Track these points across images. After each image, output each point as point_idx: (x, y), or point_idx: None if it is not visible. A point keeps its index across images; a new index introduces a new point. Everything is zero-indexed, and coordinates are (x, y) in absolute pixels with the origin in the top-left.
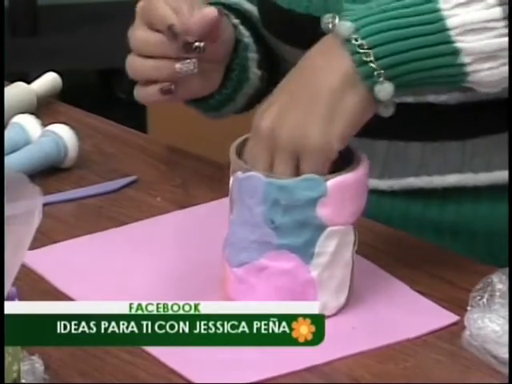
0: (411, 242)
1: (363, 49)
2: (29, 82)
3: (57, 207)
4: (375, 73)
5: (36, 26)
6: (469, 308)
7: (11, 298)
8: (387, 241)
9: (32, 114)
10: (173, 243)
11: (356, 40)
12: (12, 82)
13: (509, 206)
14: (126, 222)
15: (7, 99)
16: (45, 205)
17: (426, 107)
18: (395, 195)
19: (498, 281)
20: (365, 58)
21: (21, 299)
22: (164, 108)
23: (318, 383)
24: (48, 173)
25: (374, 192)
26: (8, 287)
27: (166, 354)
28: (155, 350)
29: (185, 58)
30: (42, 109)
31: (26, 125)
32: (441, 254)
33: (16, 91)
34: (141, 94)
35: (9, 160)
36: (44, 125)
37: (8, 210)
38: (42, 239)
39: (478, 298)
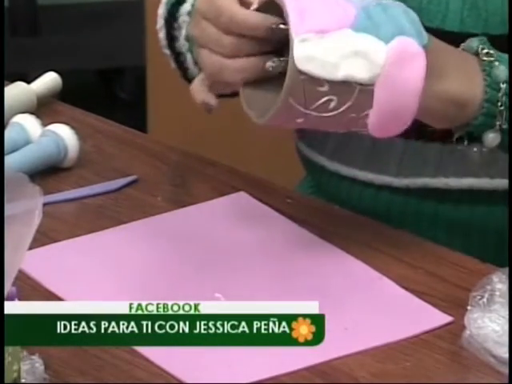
0: (409, 241)
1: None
2: (29, 82)
3: (57, 207)
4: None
5: (36, 26)
6: (469, 308)
7: (11, 298)
8: (384, 239)
9: (32, 113)
10: (173, 242)
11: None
12: (12, 81)
13: (509, 206)
14: (126, 221)
15: (7, 99)
16: (45, 204)
17: None
18: (409, 193)
19: (498, 280)
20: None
21: (21, 299)
22: (164, 108)
23: (318, 383)
24: (48, 172)
25: (387, 188)
26: (8, 287)
27: (163, 356)
28: (152, 354)
29: (271, 54)
30: (42, 109)
31: (26, 125)
32: (440, 253)
33: (16, 91)
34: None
35: (9, 160)
36: (44, 125)
37: (8, 210)
38: (42, 239)
39: (478, 297)
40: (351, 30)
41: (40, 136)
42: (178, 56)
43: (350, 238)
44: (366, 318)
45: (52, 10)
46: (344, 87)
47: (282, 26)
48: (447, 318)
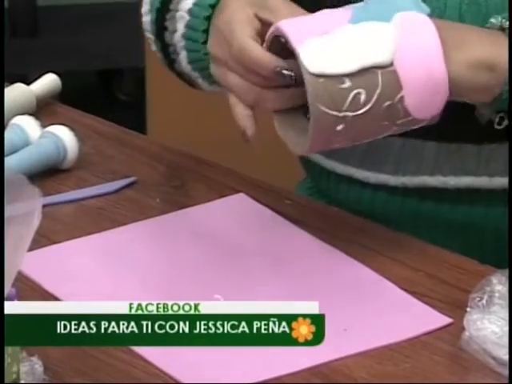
0: (409, 243)
1: None
2: (28, 84)
3: (56, 208)
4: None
5: (36, 27)
6: (468, 309)
7: (11, 299)
8: (383, 241)
9: (31, 115)
10: (172, 244)
11: None
12: (12, 83)
13: (508, 206)
14: (125, 223)
15: (7, 100)
16: (44, 206)
17: (445, 108)
18: (407, 192)
19: (498, 282)
20: None
21: (21, 299)
22: (163, 109)
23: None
24: (47, 174)
25: (385, 188)
26: (8, 288)
27: (160, 356)
28: (150, 354)
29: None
30: (42, 110)
31: (25, 126)
32: (440, 255)
33: (15, 92)
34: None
35: (8, 161)
36: (43, 126)
37: (8, 211)
38: (41, 240)
39: (478, 299)
40: (351, 24)
41: (39, 137)
42: (165, 46)
43: (350, 239)
44: (366, 320)
45: (52, 10)
46: (366, 76)
47: (285, 72)
48: (446, 320)
